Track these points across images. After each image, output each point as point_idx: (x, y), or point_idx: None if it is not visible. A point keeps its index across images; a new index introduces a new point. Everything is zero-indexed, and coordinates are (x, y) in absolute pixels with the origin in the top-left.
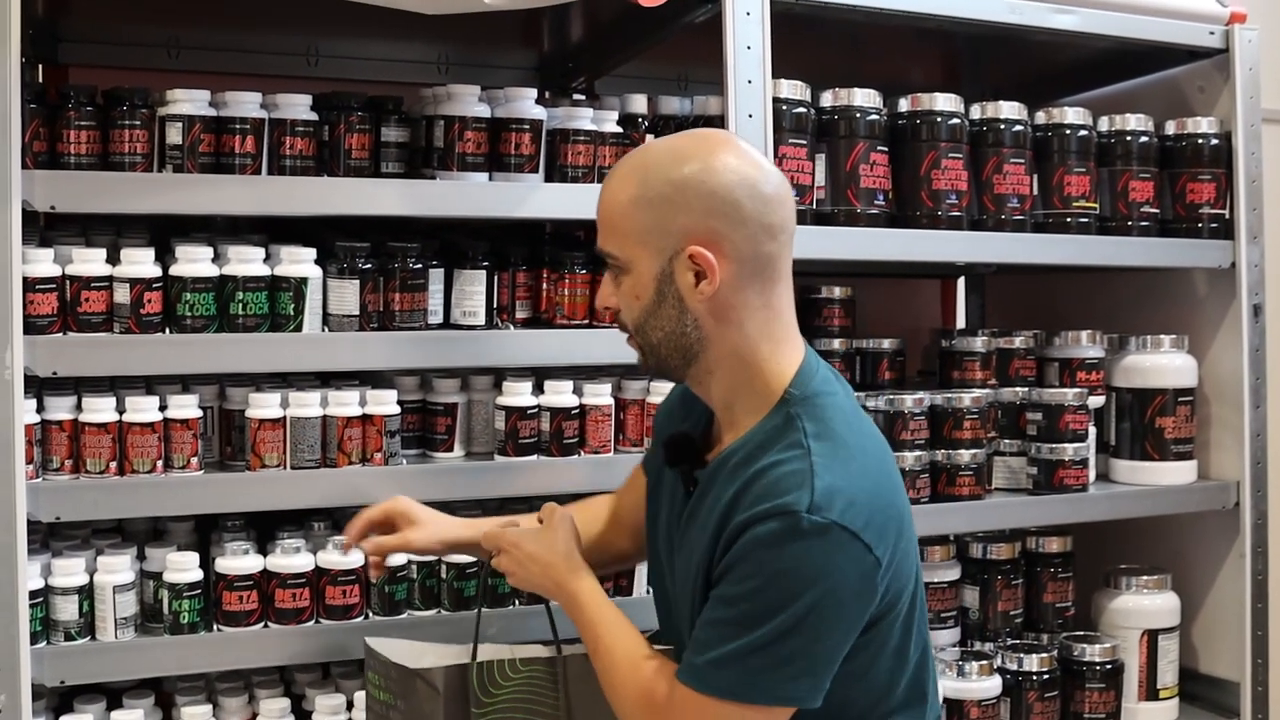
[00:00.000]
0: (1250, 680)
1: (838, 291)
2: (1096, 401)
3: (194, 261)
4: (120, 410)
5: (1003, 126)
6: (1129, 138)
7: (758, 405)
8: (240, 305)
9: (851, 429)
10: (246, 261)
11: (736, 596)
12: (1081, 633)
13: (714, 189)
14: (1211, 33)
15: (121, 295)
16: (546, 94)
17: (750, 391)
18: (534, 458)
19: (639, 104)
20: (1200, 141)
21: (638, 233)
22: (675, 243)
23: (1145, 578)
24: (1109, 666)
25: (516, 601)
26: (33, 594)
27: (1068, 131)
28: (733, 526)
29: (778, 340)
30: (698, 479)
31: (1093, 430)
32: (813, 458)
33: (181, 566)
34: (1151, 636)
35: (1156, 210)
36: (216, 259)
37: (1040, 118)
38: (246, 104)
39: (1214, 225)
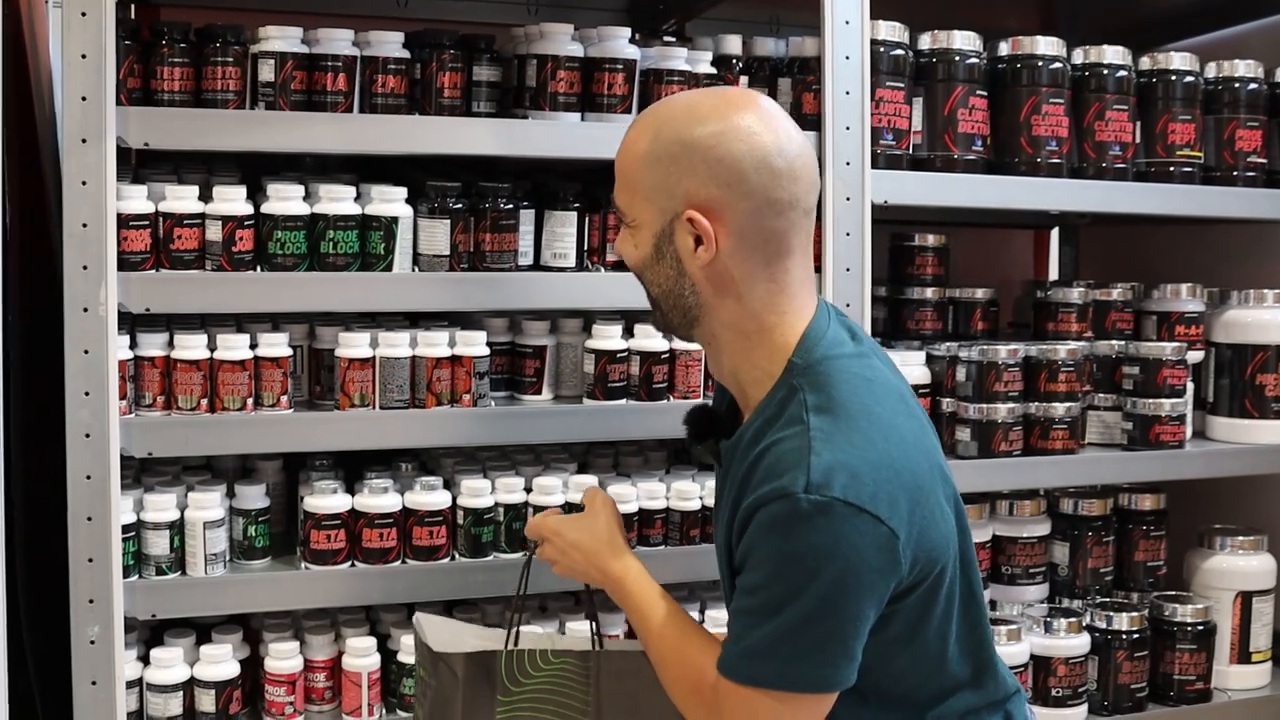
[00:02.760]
0: None
1: (931, 239)
2: (1195, 356)
3: (285, 200)
4: (211, 348)
5: (1105, 71)
6: (1236, 84)
7: (764, 378)
8: (331, 244)
9: (858, 395)
10: (337, 200)
11: (755, 584)
12: (1173, 592)
13: (721, 156)
14: None
15: (214, 233)
16: (636, 36)
17: (754, 364)
18: (623, 402)
19: (734, 45)
20: None
21: (644, 188)
22: (677, 205)
23: (1241, 538)
24: (1201, 628)
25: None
26: (125, 528)
27: (1173, 78)
28: (743, 510)
29: (783, 312)
30: (723, 450)
31: (1190, 386)
32: (811, 434)
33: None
34: (1245, 598)
35: (1264, 160)
36: (308, 197)
37: (1145, 63)
38: (339, 41)
39: None
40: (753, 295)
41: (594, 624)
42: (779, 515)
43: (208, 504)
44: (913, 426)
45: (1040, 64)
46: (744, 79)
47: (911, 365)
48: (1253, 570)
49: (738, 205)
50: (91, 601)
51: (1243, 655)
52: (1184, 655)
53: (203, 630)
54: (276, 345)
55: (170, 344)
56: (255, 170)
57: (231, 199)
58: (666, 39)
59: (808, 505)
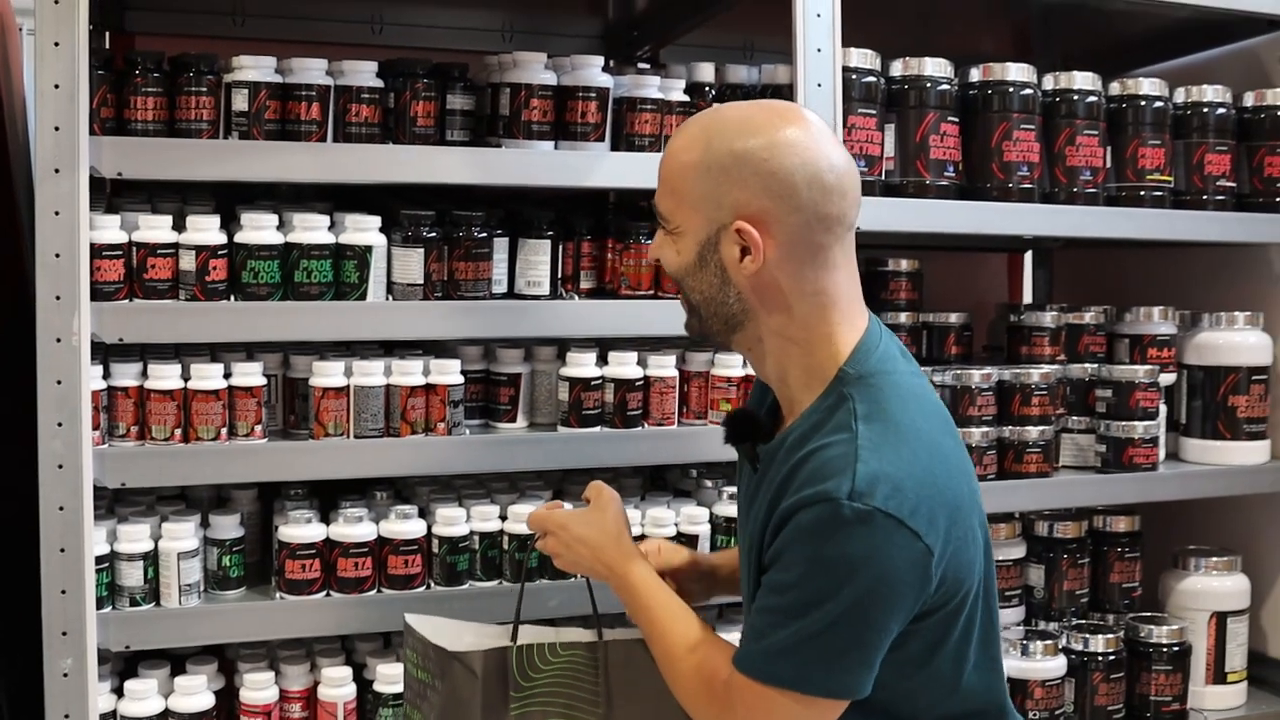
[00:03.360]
0: None
1: (905, 264)
2: (1167, 379)
3: (259, 229)
4: (185, 377)
5: (1076, 97)
6: (1205, 109)
7: (813, 384)
8: (305, 273)
9: (908, 410)
10: (311, 229)
11: (786, 584)
12: (1148, 614)
13: (774, 170)
14: None
15: (187, 262)
16: (611, 63)
17: (802, 370)
18: (597, 429)
19: (706, 72)
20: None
21: (691, 197)
22: (725, 215)
23: (1214, 559)
24: (1176, 648)
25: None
26: (98, 560)
27: (1142, 103)
28: (780, 511)
29: (835, 324)
30: (760, 456)
31: (1163, 408)
32: (859, 441)
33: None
34: (1220, 619)
35: (1233, 184)
36: (281, 226)
37: (1114, 88)
38: (312, 70)
39: None
40: (801, 306)
41: (596, 614)
42: (820, 519)
43: (181, 534)
44: (954, 447)
45: (1011, 90)
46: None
47: None
48: (1227, 591)
49: (788, 218)
50: (65, 634)
51: (1218, 676)
52: (1160, 676)
53: (177, 661)
54: (250, 375)
55: (144, 374)
56: (231, 199)
57: (205, 228)
58: (641, 66)
59: (849, 512)
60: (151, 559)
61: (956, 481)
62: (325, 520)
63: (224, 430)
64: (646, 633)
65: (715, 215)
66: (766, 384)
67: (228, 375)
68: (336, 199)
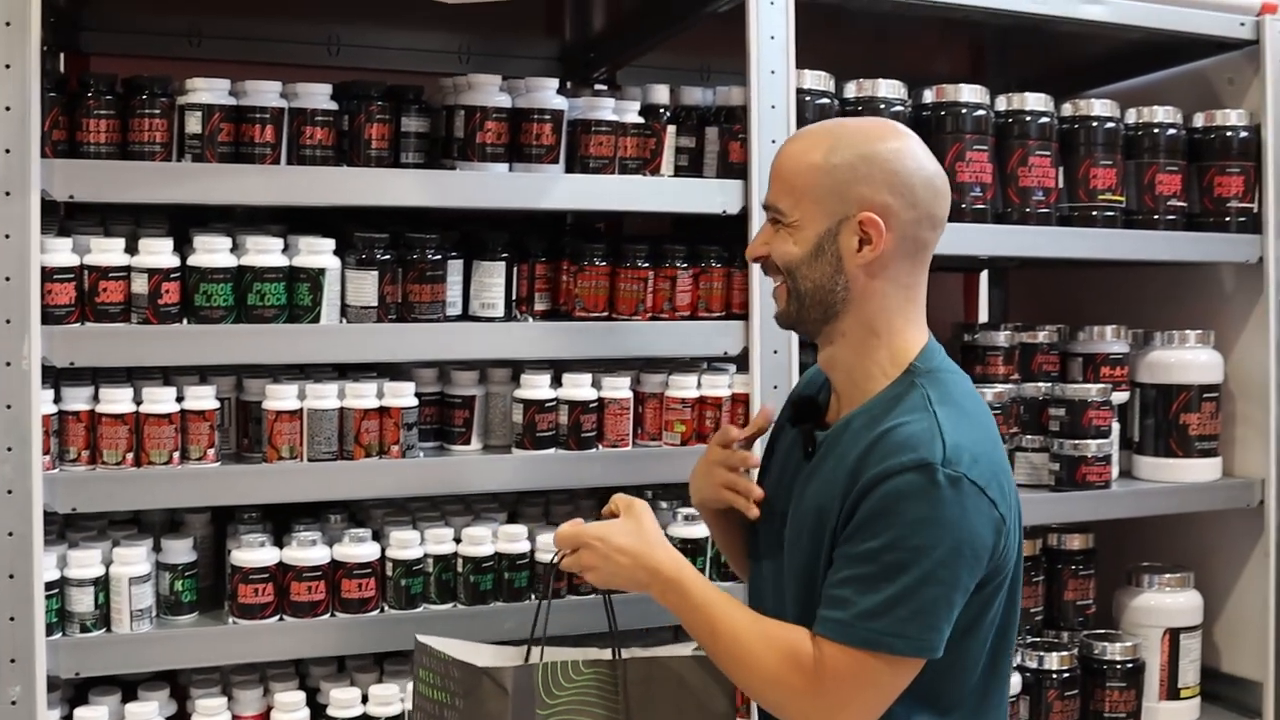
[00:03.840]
0: (1273, 680)
1: None
2: (1120, 397)
3: (212, 252)
4: (137, 401)
5: (1028, 118)
6: (1156, 130)
7: (882, 375)
8: (258, 296)
9: (972, 400)
10: (264, 252)
11: (878, 549)
12: (1102, 631)
13: (898, 170)
14: (1242, 24)
15: (139, 285)
16: (568, 84)
17: (876, 361)
18: (551, 451)
19: (661, 94)
20: (1229, 134)
21: (814, 193)
22: (848, 209)
23: (1167, 576)
24: (1130, 665)
25: (532, 596)
26: (49, 585)
27: (1094, 123)
28: (864, 482)
29: (909, 319)
30: (818, 440)
31: (1116, 426)
32: (939, 419)
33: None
34: (1173, 635)
35: (1184, 204)
36: (235, 249)
37: (1066, 109)
38: (266, 93)
39: (1242, 219)
40: (893, 297)
41: (614, 632)
42: (915, 483)
43: (133, 559)
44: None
45: (964, 111)
46: (671, 128)
47: None
48: (1180, 607)
49: (904, 214)
50: (13, 661)
51: (1171, 692)
52: (1114, 693)
53: (128, 687)
54: (203, 398)
55: (95, 398)
56: (185, 221)
57: (157, 251)
58: (599, 87)
59: (942, 477)
60: (102, 584)
61: (1009, 469)
62: (279, 544)
63: (176, 454)
64: (707, 629)
65: (838, 209)
66: (821, 374)
67: (180, 399)
68: (291, 221)
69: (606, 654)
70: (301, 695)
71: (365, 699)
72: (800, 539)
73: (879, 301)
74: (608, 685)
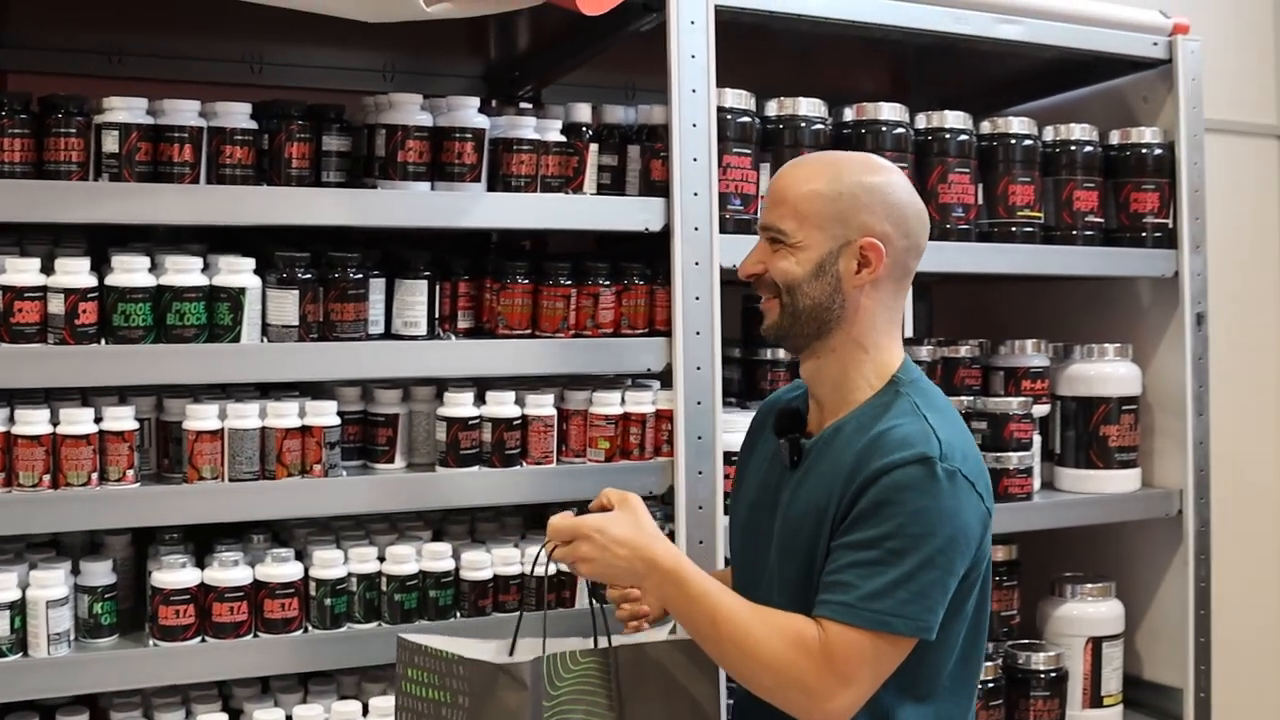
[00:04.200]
0: (1193, 687)
1: None
2: (1041, 410)
3: (130, 271)
4: (54, 422)
5: (947, 136)
6: (1073, 147)
7: (867, 386)
8: (177, 315)
9: (949, 408)
10: (184, 271)
11: (879, 537)
12: (1026, 641)
13: (896, 202)
14: (1155, 44)
15: (56, 306)
16: (493, 103)
17: (862, 374)
18: (475, 469)
19: (583, 113)
20: (1144, 151)
21: (818, 218)
22: (850, 234)
23: (1090, 585)
24: (1054, 674)
25: (458, 614)
26: None
27: (1012, 141)
28: (866, 476)
29: (892, 337)
30: (804, 449)
31: (1037, 439)
32: (930, 422)
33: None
34: (1096, 644)
35: (1101, 219)
36: (154, 269)
37: (985, 127)
38: (184, 112)
39: (1157, 234)
40: (880, 317)
41: (605, 622)
42: (916, 476)
43: (50, 582)
44: None
45: (884, 129)
46: (594, 146)
47: None
48: (1102, 617)
49: (899, 242)
50: None
51: (1094, 700)
52: (1038, 702)
53: (46, 712)
54: (122, 419)
55: (11, 419)
56: (106, 240)
57: (74, 271)
58: (523, 106)
59: (941, 471)
60: (19, 608)
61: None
62: (200, 565)
63: (95, 475)
64: (707, 618)
65: (840, 233)
66: (801, 386)
67: (99, 419)
68: (212, 241)
69: (597, 643)
70: (225, 717)
71: None
72: (796, 542)
73: (868, 320)
74: (600, 674)
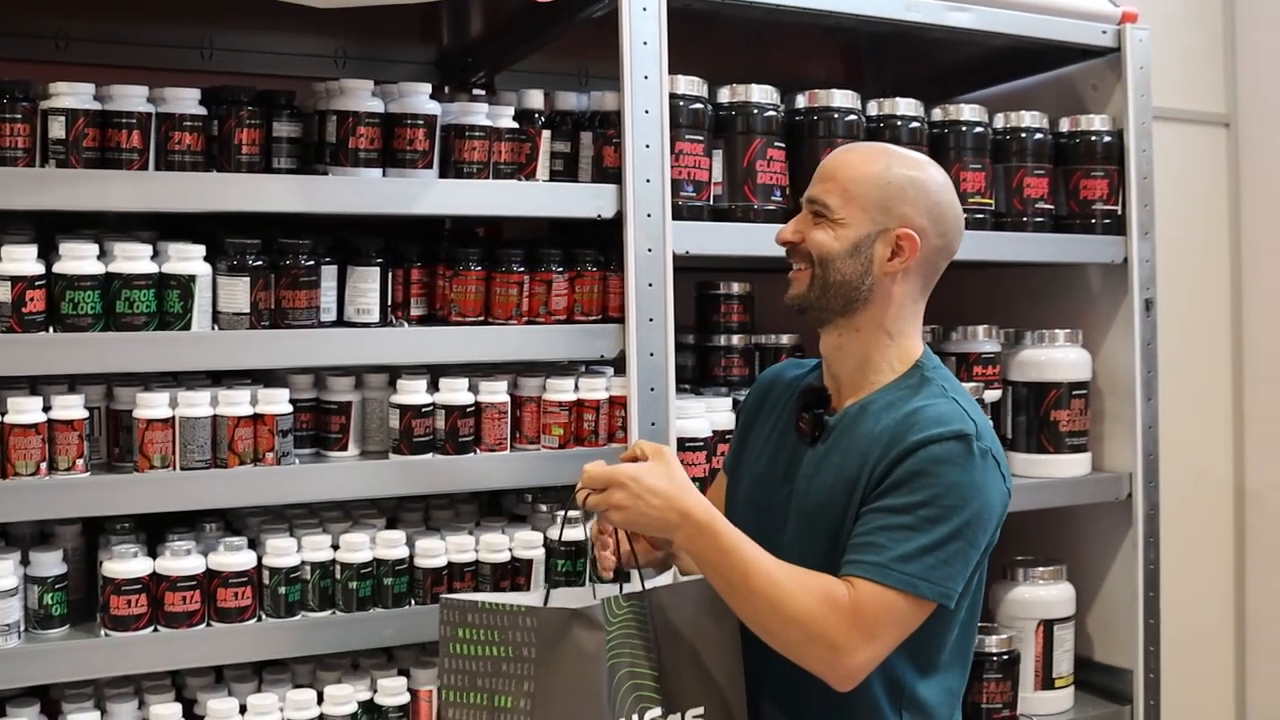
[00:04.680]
0: (1143, 668)
1: (736, 287)
2: (993, 395)
3: (78, 259)
4: (2, 411)
5: (899, 123)
6: (1024, 134)
7: (890, 370)
8: (127, 303)
9: (971, 397)
10: (133, 259)
11: (913, 504)
12: (979, 624)
13: (938, 201)
14: (1104, 31)
15: (3, 294)
16: (446, 89)
17: (885, 358)
18: (429, 456)
19: (536, 99)
20: (1093, 139)
21: (864, 201)
22: (890, 222)
23: (1041, 569)
24: (1006, 657)
25: (412, 601)
26: None
27: (963, 128)
28: (903, 448)
29: (916, 328)
30: (827, 425)
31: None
32: (961, 404)
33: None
34: (1047, 626)
35: (1051, 206)
36: (102, 256)
37: (936, 114)
38: (132, 97)
39: (1107, 221)
40: (905, 307)
41: (638, 568)
42: (955, 451)
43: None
44: None
45: (836, 116)
46: (546, 133)
47: (719, 411)
48: (1053, 599)
49: (934, 240)
50: None
51: (1046, 682)
52: (990, 684)
53: None
54: (71, 407)
55: None
56: (54, 228)
57: (20, 259)
58: (476, 92)
59: (977, 448)
60: None
61: None
62: (152, 554)
63: (44, 465)
64: (741, 571)
65: (880, 219)
66: (805, 364)
67: (47, 408)
68: (162, 228)
69: (634, 587)
70: (178, 707)
71: (244, 709)
72: (823, 515)
73: (895, 308)
74: (640, 617)
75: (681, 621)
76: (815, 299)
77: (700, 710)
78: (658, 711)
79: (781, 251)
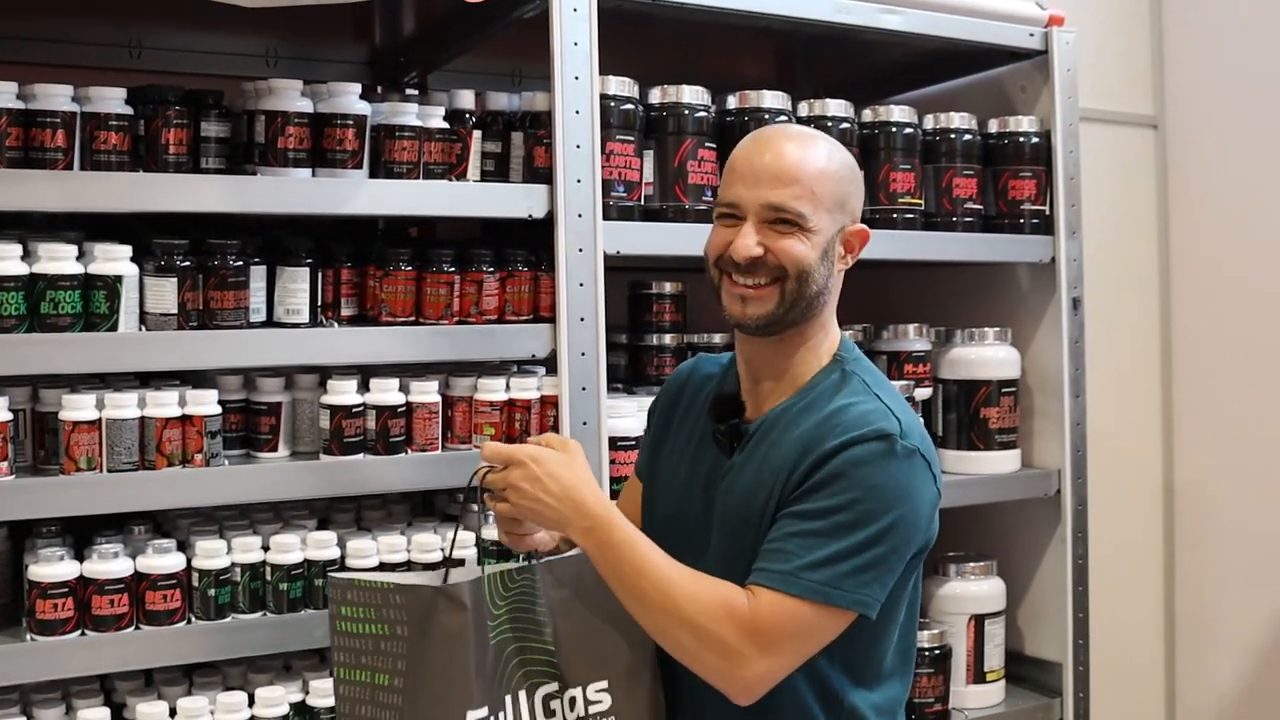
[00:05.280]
0: (1072, 660)
1: (668, 287)
2: (924, 393)
3: (2, 260)
4: None
5: (829, 124)
6: (953, 135)
7: (817, 364)
8: (52, 304)
9: (894, 389)
10: (58, 259)
11: (829, 509)
12: None
13: (862, 182)
14: (1031, 34)
15: None
16: (378, 89)
17: (813, 354)
18: (360, 456)
19: (467, 99)
20: (1021, 140)
21: (828, 200)
22: (845, 218)
23: (972, 564)
24: (937, 651)
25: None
26: None
27: (893, 129)
28: (822, 451)
29: (835, 319)
30: (745, 433)
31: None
32: (884, 400)
33: None
34: (978, 621)
35: (980, 206)
36: (26, 256)
37: (867, 115)
38: (57, 96)
39: (1035, 221)
40: (834, 300)
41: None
42: (876, 451)
43: None
44: None
45: (766, 117)
46: (477, 133)
47: None
48: (984, 594)
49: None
50: None
51: (978, 675)
52: (923, 679)
53: None
54: None
55: None
56: None
57: None
58: (409, 92)
59: (901, 448)
60: None
61: None
62: (79, 557)
63: None
64: (634, 569)
65: (839, 217)
66: (715, 360)
67: None
68: (89, 228)
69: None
70: (107, 712)
71: (174, 713)
72: (742, 529)
73: (833, 302)
74: (532, 592)
75: (578, 594)
76: (784, 314)
77: (604, 684)
78: (553, 687)
79: None
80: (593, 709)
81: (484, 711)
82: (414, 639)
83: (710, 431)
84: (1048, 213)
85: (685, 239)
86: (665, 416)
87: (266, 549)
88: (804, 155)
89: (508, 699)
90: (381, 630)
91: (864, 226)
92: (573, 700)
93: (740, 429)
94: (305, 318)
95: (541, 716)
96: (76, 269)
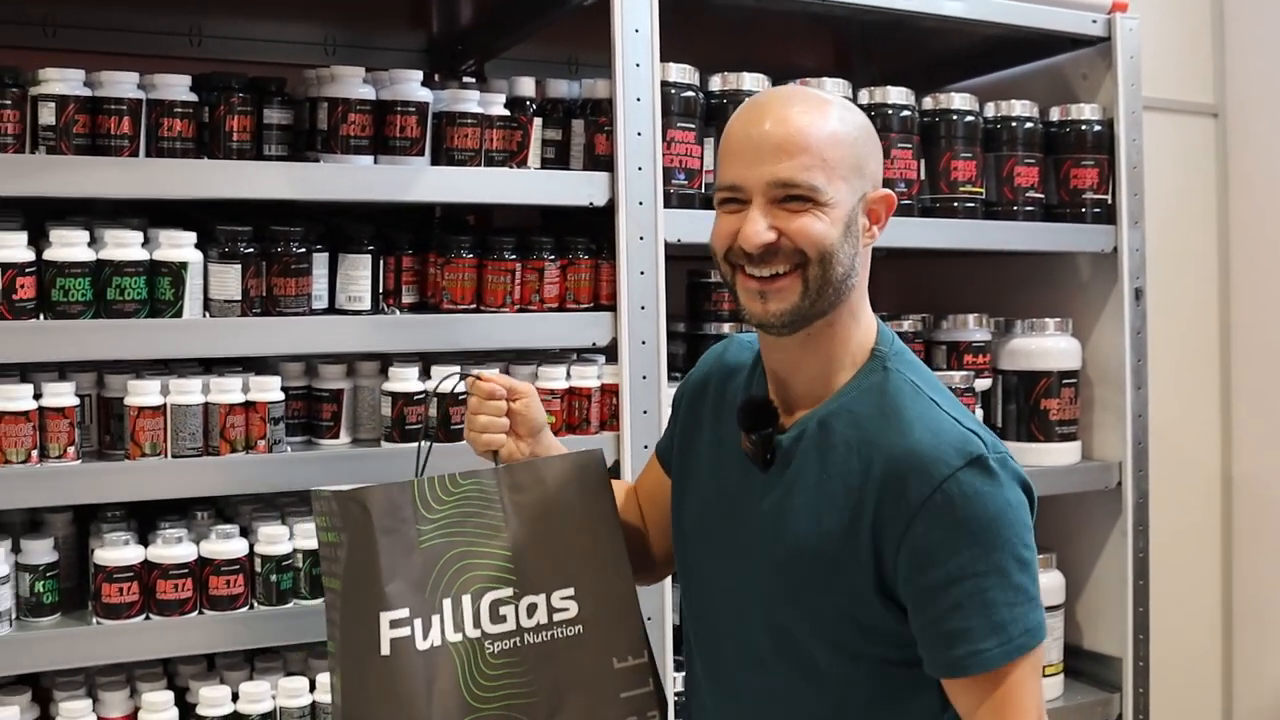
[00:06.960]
0: (1132, 656)
1: None
2: (983, 384)
3: (69, 246)
4: None
5: (890, 112)
6: (1014, 123)
7: (851, 363)
8: (117, 290)
9: (937, 381)
10: (124, 246)
11: (967, 562)
12: None
13: (879, 141)
14: (1094, 21)
15: None
16: (436, 76)
17: (848, 350)
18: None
19: (527, 87)
20: (1083, 128)
21: (843, 167)
22: (866, 184)
23: None
24: None
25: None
26: None
27: (954, 117)
28: (914, 504)
29: (866, 297)
30: (780, 445)
31: (979, 412)
32: (942, 406)
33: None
34: None
35: (1041, 195)
36: (93, 243)
37: (928, 103)
38: (123, 84)
39: (1097, 210)
40: (864, 278)
41: (495, 456)
42: (971, 481)
43: None
44: None
45: None
46: (538, 120)
47: None
48: (1044, 587)
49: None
50: None
51: None
52: None
53: None
54: (62, 395)
55: None
56: (44, 215)
57: (10, 245)
58: (466, 79)
59: (994, 461)
60: None
61: None
62: (144, 542)
63: (35, 452)
64: None
65: (858, 185)
66: (727, 361)
67: (38, 396)
68: (153, 215)
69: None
70: (170, 695)
71: (236, 697)
72: (812, 571)
73: (862, 284)
74: (488, 497)
75: (541, 499)
76: (811, 305)
77: (570, 590)
78: (506, 592)
79: None
80: (557, 617)
81: (404, 612)
82: (349, 546)
83: (735, 432)
84: (1110, 202)
85: None
86: (693, 406)
87: None
88: (810, 119)
89: (446, 602)
90: (335, 538)
91: (888, 191)
92: (531, 607)
93: (774, 440)
94: (367, 305)
95: (488, 622)
96: (142, 255)
